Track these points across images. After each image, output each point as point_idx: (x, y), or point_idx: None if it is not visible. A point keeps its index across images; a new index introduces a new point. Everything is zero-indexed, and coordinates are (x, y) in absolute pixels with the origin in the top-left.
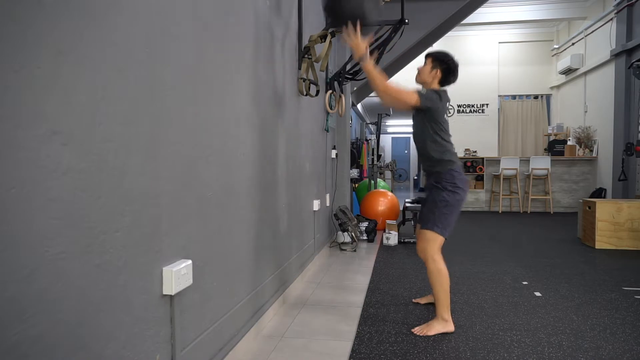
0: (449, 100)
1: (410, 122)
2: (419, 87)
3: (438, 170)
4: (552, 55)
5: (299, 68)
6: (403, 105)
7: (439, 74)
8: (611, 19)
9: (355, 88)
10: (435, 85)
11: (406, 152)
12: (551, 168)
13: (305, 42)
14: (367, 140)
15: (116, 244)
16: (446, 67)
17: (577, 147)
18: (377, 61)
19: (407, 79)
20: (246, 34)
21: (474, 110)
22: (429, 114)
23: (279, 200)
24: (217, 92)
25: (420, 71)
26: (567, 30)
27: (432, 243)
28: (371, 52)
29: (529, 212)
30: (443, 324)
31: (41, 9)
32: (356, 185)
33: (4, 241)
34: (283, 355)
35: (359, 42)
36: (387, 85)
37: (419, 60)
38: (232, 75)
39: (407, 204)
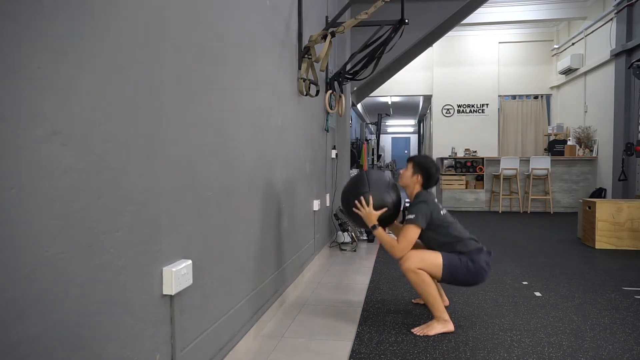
0: (438, 205)
1: (410, 122)
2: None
3: (465, 255)
4: (552, 55)
5: (299, 68)
6: (414, 240)
7: (420, 178)
8: (611, 19)
9: (355, 88)
10: (418, 189)
11: (406, 152)
12: (551, 168)
13: (305, 42)
14: (367, 140)
15: (116, 244)
16: (426, 172)
17: (577, 147)
18: (378, 61)
19: (407, 79)
20: (246, 33)
21: (474, 110)
22: (431, 224)
23: (279, 200)
24: (217, 92)
25: (402, 175)
26: (567, 30)
27: (421, 262)
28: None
29: (529, 212)
30: (443, 324)
31: (41, 9)
32: None
33: (4, 241)
34: (283, 355)
35: (371, 213)
36: (400, 245)
37: (419, 60)
38: (232, 75)
39: (407, 204)
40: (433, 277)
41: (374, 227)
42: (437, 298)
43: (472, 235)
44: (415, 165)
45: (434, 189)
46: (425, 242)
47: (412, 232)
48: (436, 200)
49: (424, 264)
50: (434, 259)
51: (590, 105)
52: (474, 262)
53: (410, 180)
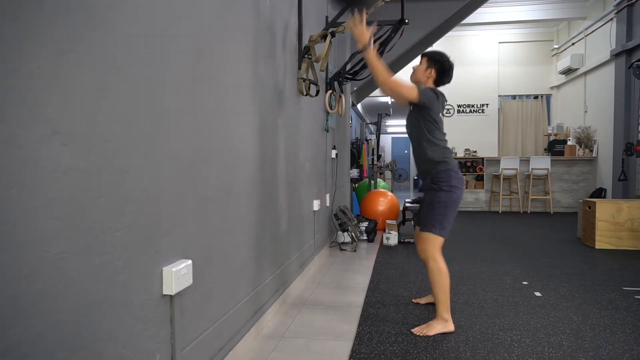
0: (445, 101)
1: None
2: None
3: (433, 171)
4: (552, 55)
5: (299, 68)
6: (401, 99)
7: (433, 73)
8: (611, 19)
9: (355, 88)
10: (430, 85)
11: (406, 152)
12: (551, 168)
13: (305, 42)
14: (367, 140)
15: (116, 244)
16: (440, 66)
17: (577, 147)
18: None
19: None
20: (247, 33)
21: (474, 110)
22: (424, 112)
23: (279, 200)
24: (217, 92)
25: (415, 70)
26: (567, 30)
27: (432, 243)
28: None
29: (529, 212)
30: (443, 324)
31: (41, 9)
32: (356, 185)
33: (4, 241)
34: (283, 355)
35: (364, 31)
36: (388, 76)
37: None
38: (232, 75)
39: (407, 204)
40: (443, 243)
41: (366, 47)
42: (447, 294)
43: (447, 146)
44: (430, 60)
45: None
46: (412, 127)
47: (409, 87)
48: (442, 100)
49: (433, 243)
50: (426, 237)
51: (590, 105)
52: (444, 189)
53: (423, 74)
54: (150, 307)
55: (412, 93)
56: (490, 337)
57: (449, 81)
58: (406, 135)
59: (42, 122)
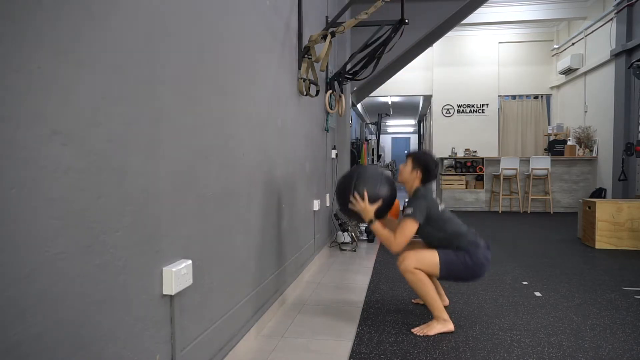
0: (436, 201)
1: (410, 122)
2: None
3: (463, 250)
4: (552, 55)
5: (299, 68)
6: (411, 236)
7: (419, 174)
8: (611, 19)
9: (355, 88)
10: (417, 184)
11: (406, 152)
12: (551, 168)
13: (305, 42)
14: (367, 140)
15: (116, 244)
16: (425, 167)
17: (577, 147)
18: (378, 61)
19: (407, 79)
20: (247, 33)
21: (474, 110)
22: (429, 219)
23: (279, 200)
24: (217, 92)
25: (401, 171)
26: (567, 30)
27: (419, 262)
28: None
29: (529, 212)
30: (443, 324)
31: (41, 9)
32: None
33: (4, 241)
34: (283, 355)
35: (367, 207)
36: (395, 239)
37: (419, 60)
38: (232, 75)
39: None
40: (431, 275)
41: (371, 221)
42: (435, 298)
43: (471, 229)
44: (414, 161)
45: (434, 186)
46: (424, 237)
47: (410, 227)
48: (435, 196)
49: (421, 263)
50: (431, 258)
51: (590, 105)
52: (472, 257)
53: (410, 176)
54: (150, 307)
55: (413, 227)
56: (490, 337)
57: (434, 179)
58: (406, 135)
59: (42, 122)
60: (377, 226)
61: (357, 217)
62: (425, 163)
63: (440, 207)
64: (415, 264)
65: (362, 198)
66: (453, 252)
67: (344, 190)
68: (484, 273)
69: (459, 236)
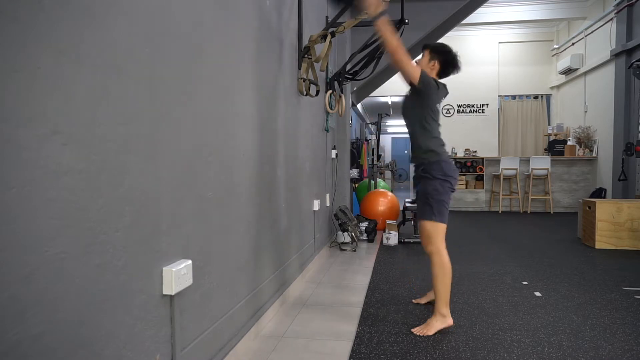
0: (445, 94)
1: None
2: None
3: (426, 161)
4: (552, 55)
5: (299, 68)
6: (403, 74)
7: (437, 65)
8: (611, 19)
9: (355, 88)
10: (433, 75)
11: (406, 152)
12: (551, 168)
13: (305, 42)
14: (367, 140)
15: (116, 244)
16: (444, 58)
17: (577, 147)
18: (378, 61)
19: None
20: (246, 33)
21: (474, 110)
22: (421, 98)
23: (279, 200)
24: (217, 91)
25: (418, 63)
26: (567, 30)
27: (435, 234)
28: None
29: (529, 212)
30: (441, 320)
31: (41, 9)
32: (356, 185)
33: (4, 241)
34: (283, 356)
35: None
36: (399, 46)
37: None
38: (232, 75)
39: (407, 204)
40: (444, 229)
41: (379, 15)
42: (448, 289)
43: (441, 138)
44: (433, 52)
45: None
46: (409, 116)
47: (415, 67)
48: (442, 93)
49: (432, 235)
50: (426, 227)
51: (590, 105)
52: (438, 178)
53: (427, 67)
54: (150, 307)
55: (415, 74)
56: (490, 337)
57: (454, 72)
58: (406, 136)
59: (42, 122)
60: (384, 23)
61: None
62: (444, 53)
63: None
64: (435, 239)
65: None
66: (425, 204)
67: None
68: (454, 181)
69: (434, 140)
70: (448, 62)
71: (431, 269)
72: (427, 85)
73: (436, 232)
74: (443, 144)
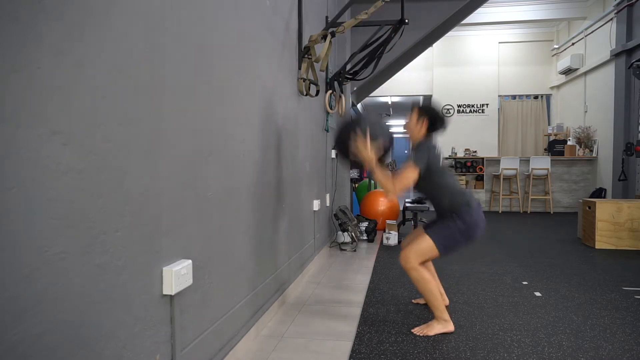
0: (440, 152)
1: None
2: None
3: (455, 214)
4: (552, 55)
5: (299, 68)
6: (410, 186)
7: (425, 122)
8: (611, 19)
9: (355, 88)
10: (423, 133)
11: (406, 152)
12: (551, 168)
13: (305, 42)
14: None
15: (116, 244)
16: (431, 114)
17: (577, 147)
18: (378, 61)
19: (407, 79)
20: (247, 33)
21: (474, 110)
22: (427, 172)
23: (279, 200)
24: (217, 91)
25: (407, 124)
26: (567, 30)
27: (424, 253)
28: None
29: (529, 212)
30: (443, 324)
31: (41, 9)
32: (356, 185)
33: (4, 241)
34: (283, 355)
35: (369, 155)
36: (393, 184)
37: (419, 60)
38: (232, 75)
39: (407, 204)
40: (433, 258)
41: (372, 165)
42: (437, 297)
43: (466, 189)
44: (420, 111)
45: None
46: (422, 191)
47: (409, 172)
48: (439, 149)
49: (421, 253)
50: (426, 245)
51: (590, 105)
52: (464, 220)
53: (415, 126)
54: (150, 307)
55: (413, 173)
56: (490, 337)
57: (442, 126)
58: (406, 136)
59: (42, 122)
60: (378, 170)
61: (356, 163)
62: (431, 110)
63: (442, 161)
64: (416, 258)
65: (365, 139)
66: (445, 227)
67: (347, 132)
68: (480, 233)
69: (455, 194)
70: (435, 119)
71: (414, 283)
72: (424, 160)
73: (426, 253)
74: (468, 195)
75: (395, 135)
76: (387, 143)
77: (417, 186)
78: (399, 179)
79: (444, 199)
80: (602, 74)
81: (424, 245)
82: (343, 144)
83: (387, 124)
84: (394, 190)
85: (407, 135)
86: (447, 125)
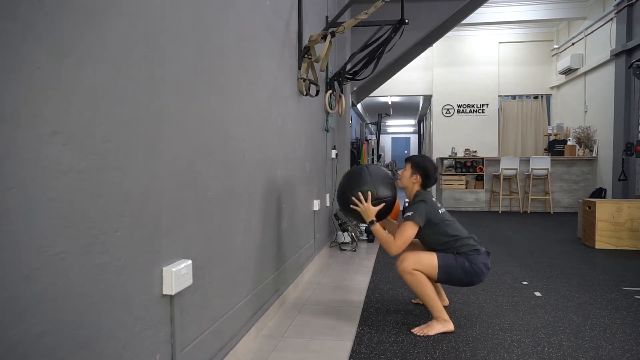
0: (436, 203)
1: (410, 122)
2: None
3: (463, 255)
4: (552, 55)
5: (299, 68)
6: (411, 240)
7: (418, 178)
8: (611, 19)
9: (355, 88)
10: (417, 188)
11: (406, 152)
12: (551, 168)
13: (305, 42)
14: (367, 140)
15: (116, 244)
16: (424, 171)
17: (577, 147)
18: (378, 61)
19: (407, 79)
20: (246, 33)
21: (474, 110)
22: (428, 225)
23: (279, 200)
24: (217, 91)
25: (401, 176)
26: (567, 30)
27: (418, 263)
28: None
29: (529, 212)
30: (443, 324)
31: (41, 9)
32: None
33: (4, 241)
34: (283, 355)
35: (369, 208)
36: (394, 242)
37: (419, 60)
38: (233, 75)
39: (407, 204)
40: (429, 277)
41: (372, 222)
42: (434, 298)
43: (472, 234)
44: (414, 166)
45: (433, 188)
46: (424, 241)
47: (409, 230)
48: (435, 199)
49: (420, 264)
50: (429, 260)
51: (590, 105)
52: (471, 263)
53: (409, 180)
54: (150, 307)
55: (414, 230)
56: (490, 337)
57: (433, 184)
58: (406, 135)
59: (42, 122)
60: (378, 227)
61: (358, 217)
62: (425, 168)
63: (441, 210)
64: (413, 265)
65: (366, 199)
66: (452, 257)
67: (347, 190)
68: (481, 279)
69: (460, 240)
70: (429, 175)
71: (409, 286)
72: (422, 215)
73: (426, 269)
74: (469, 239)
75: (394, 136)
76: (388, 199)
77: (421, 238)
78: (399, 235)
79: (450, 247)
80: (602, 74)
81: (428, 260)
82: (344, 196)
83: (390, 178)
84: (395, 248)
85: (400, 185)
86: (437, 181)
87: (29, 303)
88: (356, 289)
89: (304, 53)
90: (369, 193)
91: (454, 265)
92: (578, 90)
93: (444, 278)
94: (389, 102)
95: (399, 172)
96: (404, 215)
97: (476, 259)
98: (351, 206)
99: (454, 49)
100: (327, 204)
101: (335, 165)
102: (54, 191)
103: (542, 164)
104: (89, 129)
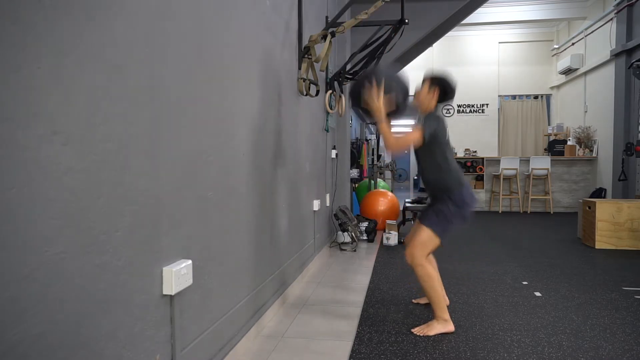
0: (446, 126)
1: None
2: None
3: (446, 194)
4: (552, 55)
5: (299, 68)
6: (409, 146)
7: (437, 92)
8: (611, 19)
9: None
10: (433, 104)
11: (406, 152)
12: (551, 168)
13: (305, 42)
14: (367, 140)
15: (116, 244)
16: (442, 84)
17: (577, 147)
18: (378, 61)
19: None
20: (246, 33)
21: (474, 110)
22: (433, 142)
23: (279, 200)
24: (217, 91)
25: (418, 94)
26: (567, 30)
27: (426, 244)
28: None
29: (529, 212)
30: (443, 324)
31: (41, 9)
32: (356, 185)
33: (4, 241)
34: (283, 355)
35: (379, 106)
36: (397, 139)
37: (419, 60)
38: (232, 75)
39: (407, 204)
40: (437, 246)
41: (382, 120)
42: (440, 295)
43: (458, 166)
44: (432, 80)
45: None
46: (423, 162)
47: (415, 134)
48: (445, 123)
49: (424, 246)
50: (425, 234)
51: (590, 105)
52: (456, 203)
53: (427, 96)
54: (150, 307)
55: (418, 138)
56: (490, 337)
57: (452, 96)
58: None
59: (42, 122)
60: (384, 122)
61: (366, 111)
62: (443, 79)
63: (447, 136)
64: (420, 252)
65: (379, 90)
66: (436, 213)
67: (362, 81)
68: (470, 210)
69: (452, 171)
70: (447, 86)
71: (418, 280)
72: (431, 129)
73: (428, 243)
74: (462, 172)
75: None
76: (400, 98)
77: (418, 154)
78: (404, 137)
79: (440, 173)
80: (602, 74)
81: (424, 236)
82: (357, 91)
83: (405, 79)
84: (394, 144)
85: (416, 105)
86: (454, 95)
87: (29, 303)
88: (356, 289)
89: (304, 53)
90: (382, 85)
91: (443, 218)
92: (578, 90)
93: (444, 233)
94: None
95: (415, 91)
96: (414, 124)
97: (461, 194)
98: (362, 102)
99: (454, 49)
100: (327, 204)
101: (335, 165)
102: (54, 191)
103: (542, 164)
104: (89, 129)
